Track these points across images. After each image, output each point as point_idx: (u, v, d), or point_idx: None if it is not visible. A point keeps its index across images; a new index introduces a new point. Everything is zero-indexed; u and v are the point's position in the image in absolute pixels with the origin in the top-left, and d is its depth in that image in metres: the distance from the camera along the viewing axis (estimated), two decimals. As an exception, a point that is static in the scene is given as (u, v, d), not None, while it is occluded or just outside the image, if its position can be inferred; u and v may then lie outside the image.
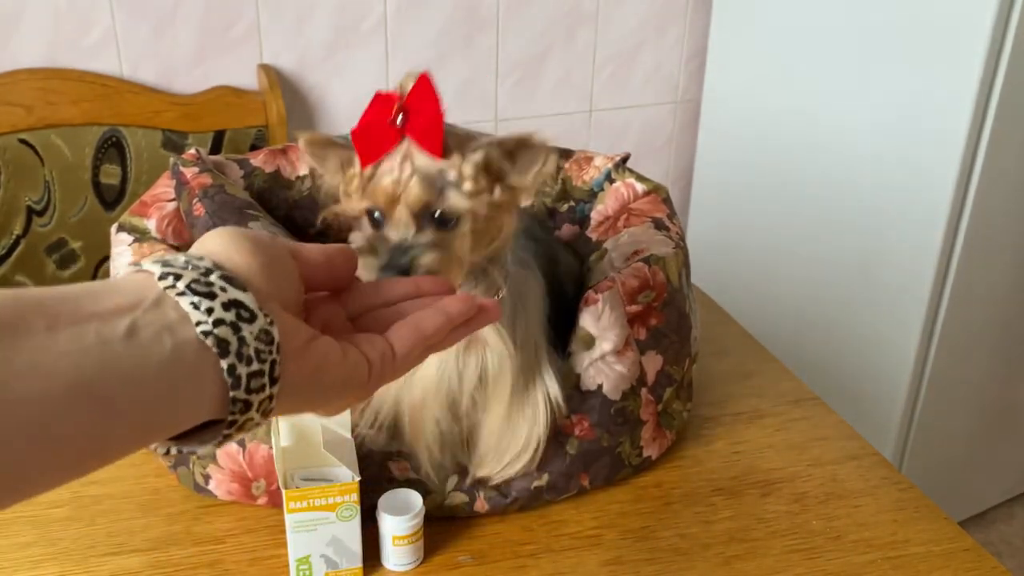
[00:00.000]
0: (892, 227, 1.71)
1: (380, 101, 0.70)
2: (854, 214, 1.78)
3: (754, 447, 1.01)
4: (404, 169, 0.70)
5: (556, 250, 1.01)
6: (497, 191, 0.73)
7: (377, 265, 0.71)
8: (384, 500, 0.85)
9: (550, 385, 0.85)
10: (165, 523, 0.89)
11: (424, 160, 0.71)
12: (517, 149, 0.73)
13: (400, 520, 0.83)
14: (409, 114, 0.70)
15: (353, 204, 0.74)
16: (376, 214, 0.74)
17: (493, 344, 0.81)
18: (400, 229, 0.72)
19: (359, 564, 0.83)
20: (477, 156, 0.71)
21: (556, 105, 2.08)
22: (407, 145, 0.71)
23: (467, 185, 0.71)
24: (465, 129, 0.75)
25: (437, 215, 0.72)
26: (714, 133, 2.12)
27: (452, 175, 0.71)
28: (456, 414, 0.84)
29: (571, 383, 0.90)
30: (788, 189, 1.92)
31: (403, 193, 0.71)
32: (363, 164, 0.72)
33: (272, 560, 0.85)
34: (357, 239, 0.73)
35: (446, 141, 0.70)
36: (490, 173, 0.73)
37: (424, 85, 0.69)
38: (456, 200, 0.72)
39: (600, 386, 0.90)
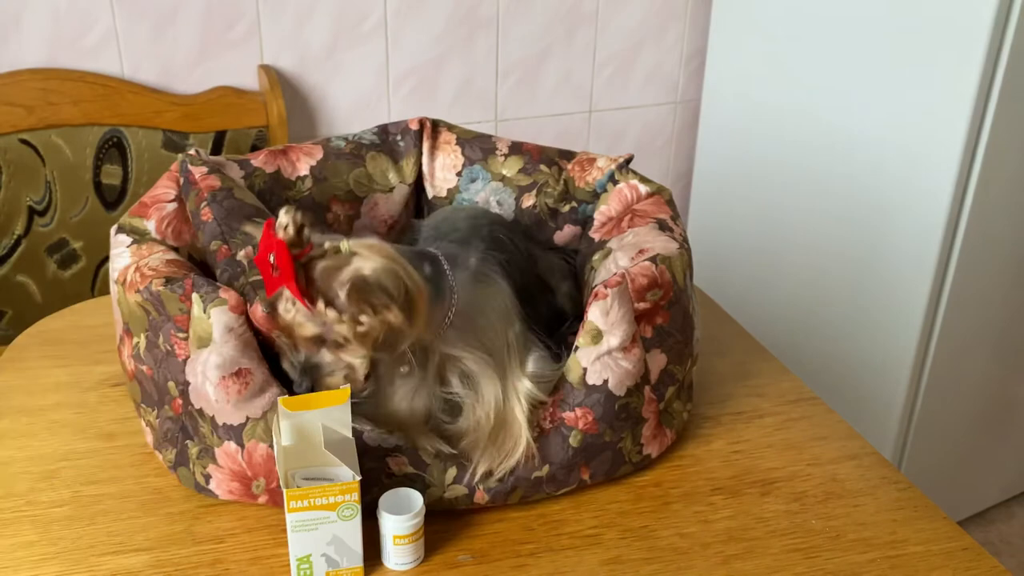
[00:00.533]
0: (891, 227, 1.71)
1: (266, 239, 0.78)
2: (853, 214, 1.78)
3: (753, 446, 1.02)
4: (290, 309, 0.80)
5: (533, 255, 1.07)
6: (366, 320, 0.80)
7: (293, 380, 0.85)
8: (385, 499, 0.85)
9: (521, 383, 0.90)
10: (166, 522, 0.89)
11: (301, 306, 0.80)
12: (367, 298, 0.80)
13: (401, 519, 0.83)
14: (279, 269, 0.78)
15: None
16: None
17: (466, 355, 0.89)
18: (305, 349, 0.83)
19: (360, 563, 0.84)
20: (338, 301, 0.79)
21: (556, 105, 2.08)
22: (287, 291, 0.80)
23: (338, 327, 0.80)
24: (335, 256, 0.80)
25: (329, 339, 0.82)
26: (714, 133, 2.12)
27: (324, 318, 0.80)
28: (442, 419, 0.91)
29: (577, 376, 0.90)
30: (788, 189, 1.92)
31: (297, 328, 0.81)
32: (267, 293, 0.81)
33: (273, 559, 0.86)
34: (280, 346, 0.86)
35: (312, 290, 0.78)
36: (355, 307, 0.80)
37: (281, 254, 0.77)
38: (336, 334, 0.81)
39: (606, 381, 0.91)
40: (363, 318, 0.80)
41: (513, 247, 1.03)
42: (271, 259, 0.77)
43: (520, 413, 0.89)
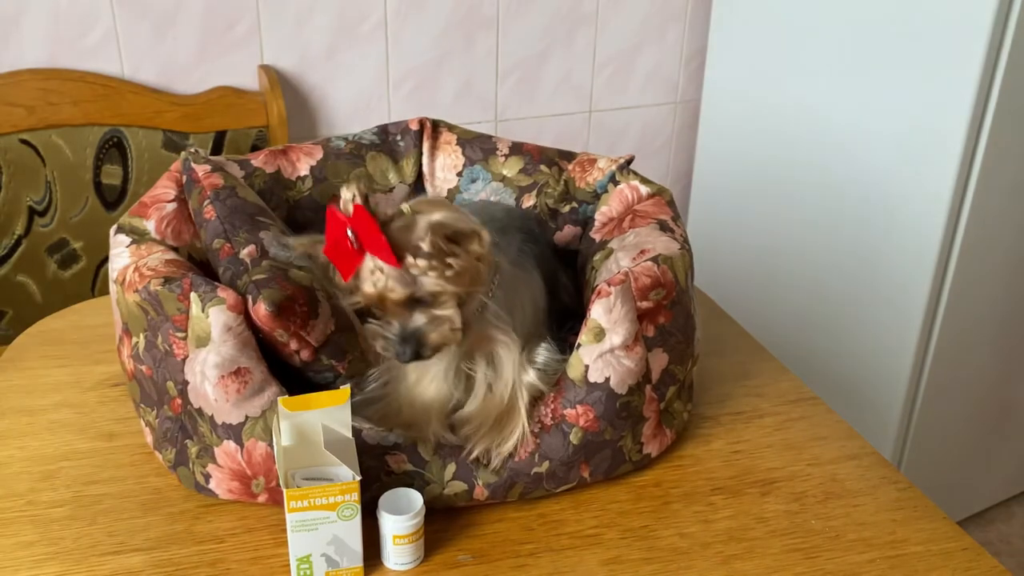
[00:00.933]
0: (891, 227, 1.71)
1: (334, 222, 0.81)
2: (853, 214, 1.78)
3: (753, 447, 1.02)
4: (379, 278, 0.82)
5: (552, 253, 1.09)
6: (454, 261, 0.83)
7: (393, 354, 0.85)
8: (385, 499, 0.85)
9: (527, 373, 0.92)
10: (166, 522, 0.89)
11: (390, 268, 0.81)
12: (453, 236, 0.83)
13: (401, 519, 0.83)
14: (359, 237, 0.81)
15: (352, 299, 0.85)
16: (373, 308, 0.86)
17: (500, 338, 0.91)
18: (398, 319, 0.84)
19: (360, 563, 0.84)
20: (424, 250, 0.81)
21: (556, 105, 2.08)
22: (371, 259, 0.82)
23: (430, 274, 0.82)
24: (401, 217, 0.83)
25: (420, 299, 0.84)
26: (714, 133, 2.12)
27: (415, 271, 0.82)
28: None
29: (579, 373, 0.90)
30: (787, 189, 1.92)
31: (388, 294, 0.82)
32: (344, 278, 0.83)
33: (273, 559, 0.86)
34: (370, 331, 0.86)
35: (395, 250, 0.80)
36: (441, 253, 0.82)
37: (360, 217, 0.79)
38: (429, 285, 0.82)
39: (607, 379, 0.91)
40: (451, 260, 0.81)
41: (544, 243, 1.07)
42: (348, 234, 0.79)
43: (522, 401, 0.90)
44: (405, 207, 0.83)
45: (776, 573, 0.86)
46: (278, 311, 0.86)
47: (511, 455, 0.90)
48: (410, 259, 0.80)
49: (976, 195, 1.61)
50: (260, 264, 0.90)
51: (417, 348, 0.84)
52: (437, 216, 0.82)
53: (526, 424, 0.90)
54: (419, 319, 0.84)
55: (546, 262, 1.03)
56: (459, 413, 0.92)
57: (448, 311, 0.84)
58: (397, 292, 0.82)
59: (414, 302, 0.83)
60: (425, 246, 0.80)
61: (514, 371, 0.91)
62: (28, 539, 0.87)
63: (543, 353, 0.94)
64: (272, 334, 0.87)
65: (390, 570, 0.85)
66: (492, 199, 1.14)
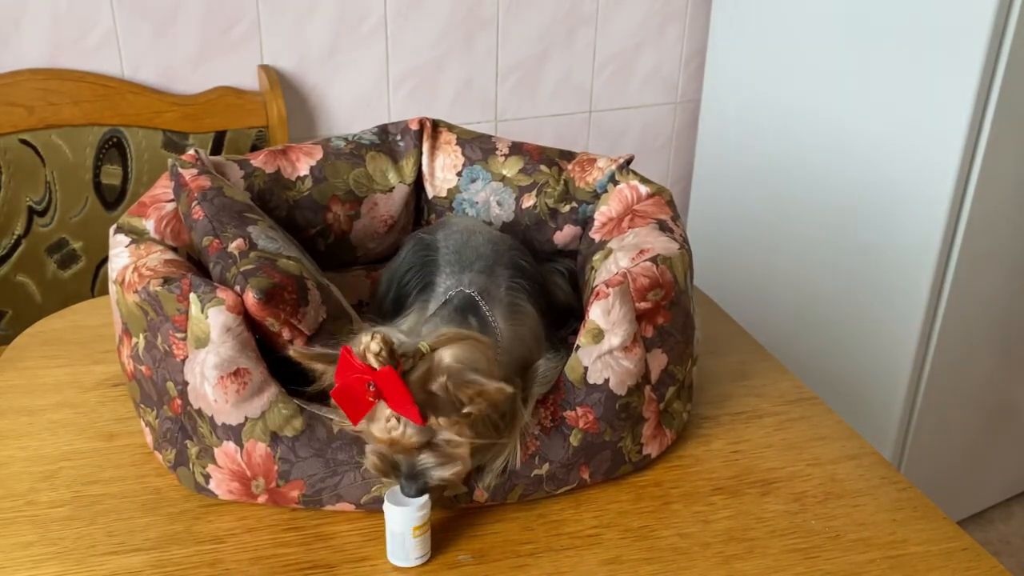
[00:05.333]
0: (891, 227, 1.71)
1: (350, 368, 0.77)
2: (853, 214, 1.78)
3: (753, 447, 1.02)
4: (395, 426, 0.79)
5: (545, 269, 1.09)
6: (473, 408, 0.80)
7: (399, 489, 0.84)
8: (391, 493, 0.85)
9: (531, 393, 0.90)
10: (166, 522, 0.89)
11: (412, 423, 0.79)
12: (476, 393, 0.79)
13: (407, 510, 0.83)
14: (384, 395, 0.77)
15: (350, 427, 0.84)
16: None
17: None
18: (406, 458, 0.82)
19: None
20: (446, 407, 0.79)
21: (556, 106, 2.08)
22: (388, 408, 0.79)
23: (452, 428, 0.80)
24: (422, 362, 0.79)
25: (434, 444, 0.82)
26: (714, 133, 2.12)
27: (435, 427, 0.80)
28: None
29: (578, 375, 0.91)
30: (787, 189, 1.92)
31: (403, 441, 0.80)
32: (352, 422, 0.80)
33: (273, 559, 0.86)
34: (370, 457, 0.84)
35: (422, 410, 0.78)
36: (460, 404, 0.79)
37: (388, 379, 0.76)
38: (446, 435, 0.81)
39: (606, 380, 0.91)
40: (467, 409, 0.79)
41: (533, 271, 1.05)
42: (370, 387, 0.76)
43: (520, 423, 0.90)
44: (424, 345, 0.79)
45: (776, 573, 0.86)
46: (267, 299, 0.86)
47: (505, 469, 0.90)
48: (433, 420, 0.79)
49: (976, 195, 1.61)
50: (248, 255, 0.90)
51: (423, 486, 0.83)
52: (449, 357, 0.79)
53: (517, 445, 0.89)
54: (428, 460, 0.82)
55: (537, 290, 1.02)
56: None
57: (460, 452, 0.83)
58: (414, 441, 0.80)
59: (428, 444, 0.82)
60: (442, 395, 0.78)
61: (523, 417, 0.89)
62: (28, 539, 0.87)
63: (542, 365, 0.94)
64: (264, 323, 0.87)
65: (396, 566, 0.85)
66: (491, 199, 1.14)
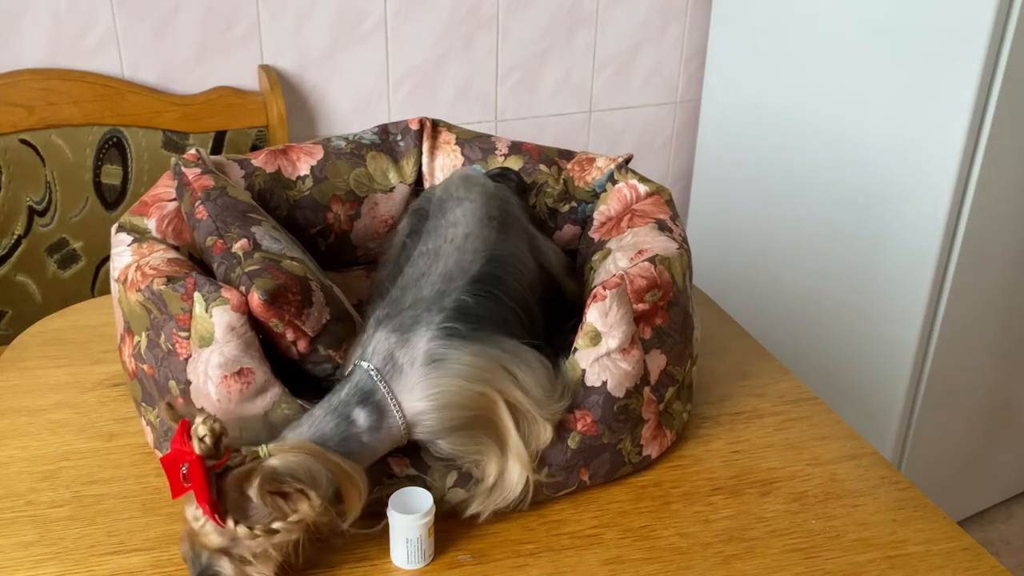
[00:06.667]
0: (891, 227, 1.71)
1: (178, 444, 0.73)
2: (853, 214, 1.78)
3: (753, 447, 1.02)
4: (199, 518, 0.77)
5: (542, 264, 1.01)
6: (280, 525, 0.76)
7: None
8: (395, 499, 0.85)
9: (541, 416, 0.88)
10: (166, 522, 0.89)
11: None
12: (284, 495, 0.76)
13: (412, 518, 0.83)
14: (189, 475, 0.74)
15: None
16: None
17: (461, 454, 0.88)
18: (207, 551, 0.78)
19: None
20: (250, 516, 0.76)
21: (556, 105, 2.08)
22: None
23: (253, 543, 0.77)
24: (253, 463, 0.76)
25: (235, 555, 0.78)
26: (714, 133, 2.12)
27: (239, 542, 0.77)
28: None
29: (576, 378, 0.90)
30: (787, 189, 1.92)
31: (202, 538, 0.77)
32: (172, 495, 0.75)
33: (273, 559, 0.86)
34: (184, 531, 0.80)
35: (221, 508, 0.75)
36: (276, 504, 0.76)
37: (194, 471, 0.73)
38: (247, 548, 0.77)
39: (604, 383, 0.91)
40: (277, 524, 0.75)
41: (504, 288, 0.92)
42: (183, 469, 0.72)
43: (519, 469, 0.87)
44: (263, 450, 0.76)
45: (776, 573, 0.86)
46: (272, 300, 0.86)
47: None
48: (231, 524, 0.74)
49: (976, 195, 1.61)
50: (252, 256, 0.90)
51: None
52: (278, 462, 0.75)
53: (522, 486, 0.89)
54: (226, 568, 0.78)
55: (510, 302, 0.92)
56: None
57: (261, 570, 0.78)
58: (212, 540, 0.77)
59: (228, 552, 0.78)
60: (254, 499, 0.75)
61: (497, 462, 0.88)
62: (28, 539, 0.87)
63: (535, 382, 0.88)
64: (268, 324, 0.87)
65: (399, 568, 0.85)
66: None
